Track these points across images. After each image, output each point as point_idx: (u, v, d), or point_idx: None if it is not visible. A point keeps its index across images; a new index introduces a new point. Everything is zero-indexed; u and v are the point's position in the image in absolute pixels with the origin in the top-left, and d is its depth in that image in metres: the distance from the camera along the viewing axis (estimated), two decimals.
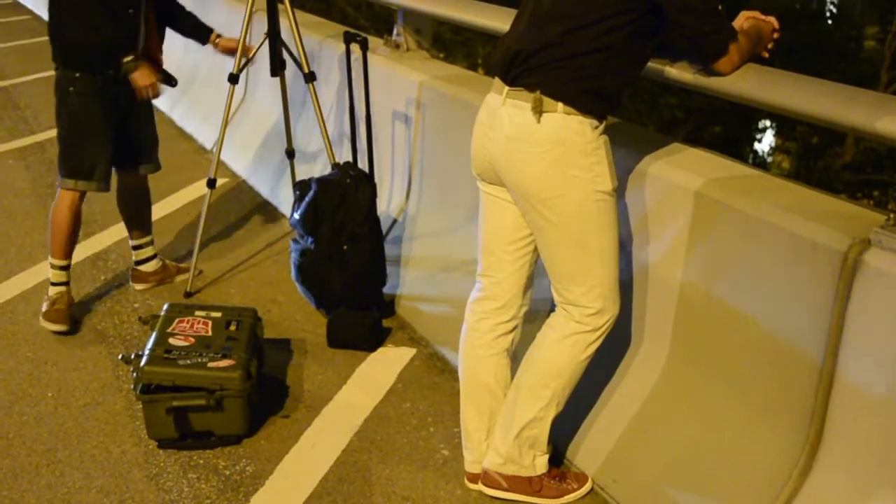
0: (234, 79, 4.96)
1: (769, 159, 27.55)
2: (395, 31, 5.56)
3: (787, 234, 2.89)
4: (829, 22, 34.58)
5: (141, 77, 4.47)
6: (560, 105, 2.95)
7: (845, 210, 2.98)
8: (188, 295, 4.95)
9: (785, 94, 3.02)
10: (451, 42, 21.93)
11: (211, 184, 5.01)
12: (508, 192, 3.16)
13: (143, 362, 3.69)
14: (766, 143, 28.76)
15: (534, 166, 3.01)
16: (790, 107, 3.00)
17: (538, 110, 2.95)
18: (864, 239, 2.69)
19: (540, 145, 2.98)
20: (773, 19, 3.24)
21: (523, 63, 3.01)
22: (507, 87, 3.05)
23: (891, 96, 2.89)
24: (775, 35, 3.24)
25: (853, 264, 2.66)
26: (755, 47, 3.16)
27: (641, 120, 21.05)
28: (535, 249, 3.25)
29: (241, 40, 4.97)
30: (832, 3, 38.35)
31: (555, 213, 3.05)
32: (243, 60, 5.00)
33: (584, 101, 2.96)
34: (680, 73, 3.32)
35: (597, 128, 3.01)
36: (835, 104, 2.86)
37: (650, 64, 3.27)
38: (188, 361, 3.72)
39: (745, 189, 3.15)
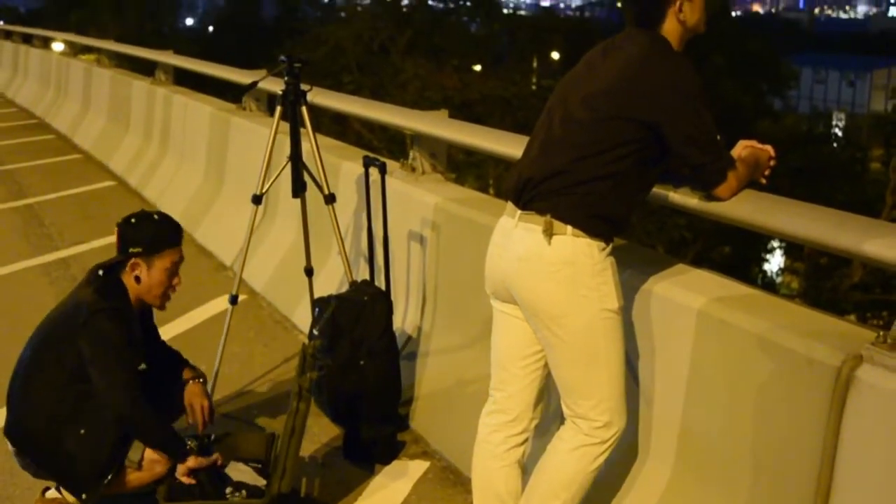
0: (257, 199, 5.18)
1: (778, 279, 27.72)
2: (410, 156, 5.78)
3: (785, 351, 3.04)
4: (836, 145, 35.06)
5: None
6: (569, 228, 3.13)
7: (839, 327, 3.14)
8: None
9: (780, 218, 3.21)
10: (463, 163, 22.34)
11: (233, 300, 5.19)
12: (520, 309, 3.33)
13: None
14: (774, 263, 28.96)
15: (544, 285, 3.18)
16: (785, 231, 3.19)
17: (549, 233, 3.13)
18: (856, 355, 2.84)
19: (550, 266, 3.15)
20: (769, 147, 3.44)
21: (535, 188, 3.20)
22: (519, 211, 3.24)
23: (879, 221, 3.08)
24: (772, 162, 3.43)
25: (846, 379, 2.81)
26: (752, 174, 3.36)
27: (650, 240, 21.28)
28: (546, 365, 3.40)
29: (265, 162, 5.20)
30: (838, 126, 38.90)
31: (564, 330, 3.20)
32: (266, 185, 5.21)
33: (592, 225, 3.14)
34: (682, 198, 3.52)
35: (604, 249, 3.19)
36: (826, 228, 3.05)
37: (655, 189, 3.46)
38: None
39: (745, 307, 3.32)
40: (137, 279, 3.92)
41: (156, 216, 4.06)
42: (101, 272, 3.93)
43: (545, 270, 3.17)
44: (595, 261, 3.17)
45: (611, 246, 3.23)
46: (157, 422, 3.83)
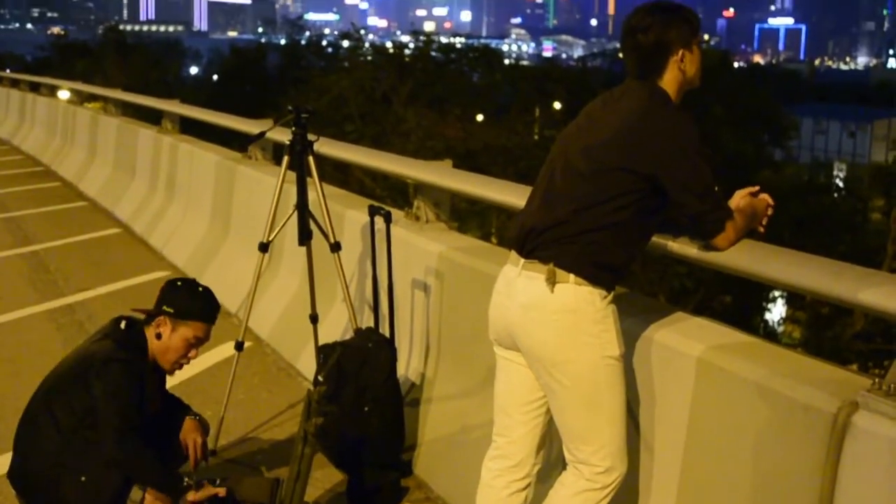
0: (264, 247, 5.26)
1: (780, 329, 27.74)
2: (414, 205, 5.87)
3: (782, 397, 3.10)
4: (836, 195, 35.22)
5: None
6: (572, 276, 3.20)
7: (836, 375, 3.20)
8: (213, 453, 5.10)
9: (778, 267, 3.29)
10: (465, 212, 22.46)
11: (239, 347, 5.26)
12: (523, 356, 3.39)
13: None
14: (776, 313, 29.00)
15: (547, 332, 3.25)
16: (782, 280, 3.26)
17: (552, 281, 3.21)
18: (852, 401, 2.90)
19: (553, 313, 3.22)
20: (766, 196, 3.51)
21: (538, 238, 3.28)
22: (522, 260, 3.32)
23: (875, 271, 3.15)
24: (769, 211, 3.50)
25: (843, 425, 2.87)
26: (750, 224, 3.43)
27: (652, 289, 21.35)
28: (548, 411, 3.45)
29: (273, 209, 5.28)
30: (839, 176, 39.13)
31: (566, 376, 3.27)
32: (273, 233, 5.29)
33: (594, 273, 3.22)
34: (682, 247, 3.59)
35: (605, 297, 3.26)
36: (822, 277, 3.13)
37: (655, 238, 3.53)
38: None
39: (743, 355, 3.38)
40: (158, 336, 4.02)
41: (200, 289, 4.19)
42: (123, 324, 4.03)
43: (548, 318, 3.24)
44: (597, 308, 3.24)
45: (612, 294, 3.30)
46: (149, 462, 3.86)
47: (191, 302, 4.07)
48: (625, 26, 3.39)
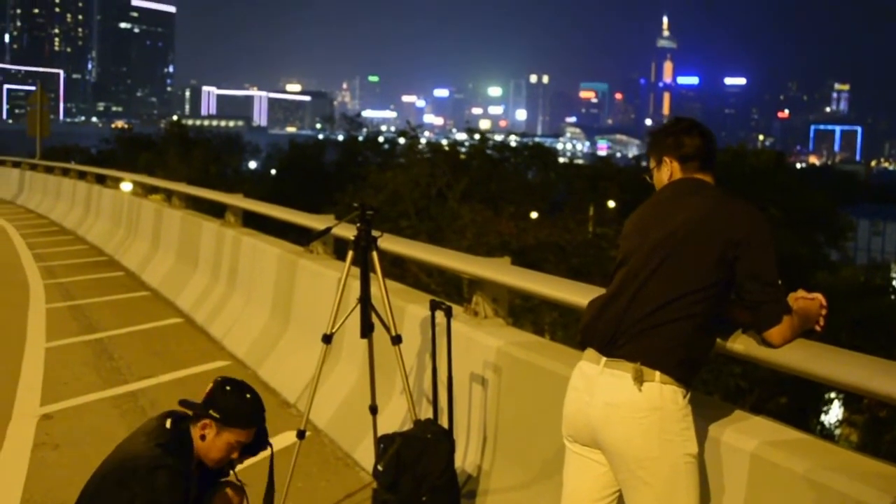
0: (328, 339, 5.41)
1: (837, 431, 27.29)
2: (473, 300, 6.01)
3: (834, 492, 3.18)
4: (894, 297, 34.80)
5: None
6: (658, 374, 3.32)
7: (886, 470, 3.27)
8: None
9: (826, 365, 3.39)
10: (519, 308, 22.51)
11: (300, 435, 5.38)
12: (602, 453, 3.48)
13: None
14: (833, 415, 28.57)
15: (632, 430, 3.34)
16: (830, 377, 3.36)
17: (639, 380, 3.32)
18: None
19: (639, 412, 3.33)
20: (819, 297, 3.58)
21: (621, 335, 3.39)
22: (604, 358, 3.43)
23: None
24: (823, 311, 3.57)
25: None
26: (804, 325, 3.52)
27: (707, 389, 21.17)
28: None
29: (337, 302, 5.45)
30: None
31: (649, 473, 3.35)
32: (337, 325, 5.45)
33: (680, 371, 3.34)
34: (735, 345, 3.69)
35: (686, 396, 3.38)
36: (871, 375, 3.21)
37: None
38: None
39: (796, 451, 3.46)
40: (203, 437, 4.07)
41: (248, 395, 4.20)
42: (169, 422, 4.08)
43: (634, 416, 3.34)
44: (679, 407, 3.35)
45: (690, 392, 3.41)
46: None
47: (237, 410, 4.10)
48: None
